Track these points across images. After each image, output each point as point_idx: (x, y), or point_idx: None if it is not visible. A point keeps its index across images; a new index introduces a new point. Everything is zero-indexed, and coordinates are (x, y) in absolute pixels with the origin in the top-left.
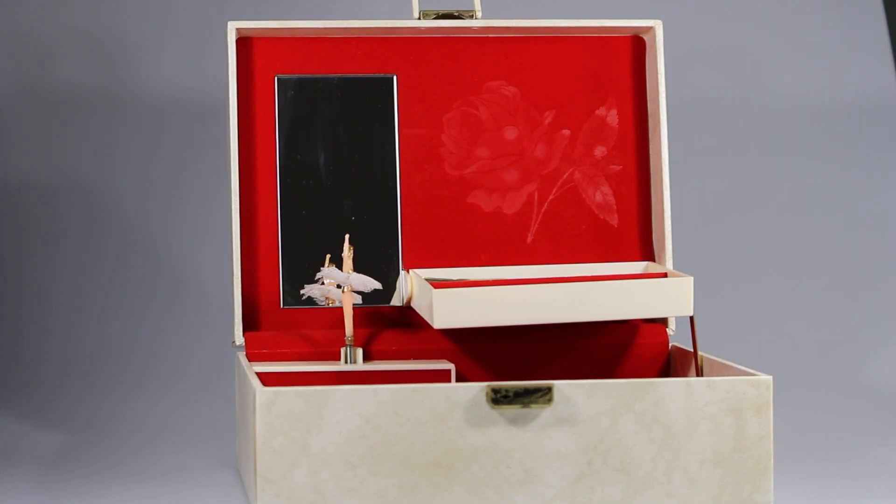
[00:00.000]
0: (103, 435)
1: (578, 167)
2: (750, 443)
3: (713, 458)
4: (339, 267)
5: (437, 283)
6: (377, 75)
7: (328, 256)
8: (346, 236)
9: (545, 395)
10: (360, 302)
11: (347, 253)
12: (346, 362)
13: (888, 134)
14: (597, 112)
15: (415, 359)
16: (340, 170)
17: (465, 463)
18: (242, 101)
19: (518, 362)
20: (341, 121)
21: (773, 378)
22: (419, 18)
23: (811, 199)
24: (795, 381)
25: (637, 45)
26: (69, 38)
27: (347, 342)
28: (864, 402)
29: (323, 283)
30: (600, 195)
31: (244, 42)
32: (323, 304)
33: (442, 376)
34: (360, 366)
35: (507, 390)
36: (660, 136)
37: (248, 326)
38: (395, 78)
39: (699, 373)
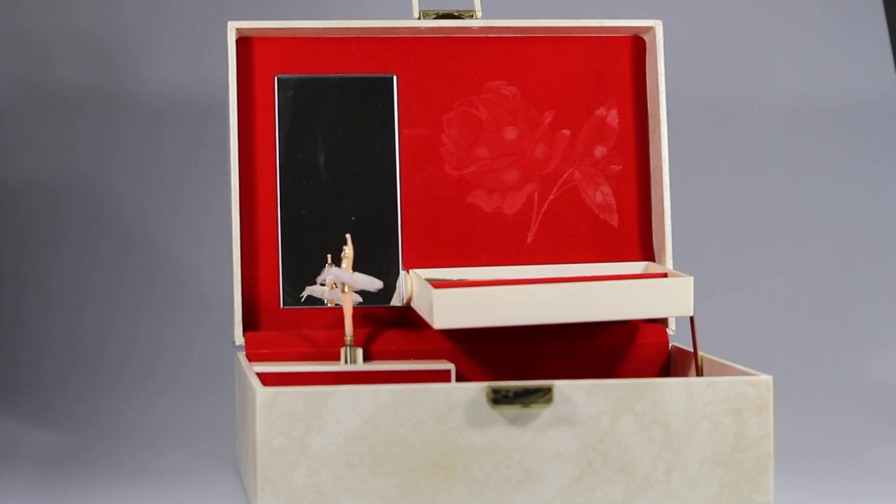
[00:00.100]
0: (103, 435)
1: (578, 167)
2: (750, 443)
3: (713, 458)
4: (338, 266)
5: (437, 283)
6: (377, 75)
7: (330, 257)
8: (348, 236)
9: (545, 395)
10: (361, 300)
11: (349, 253)
12: (346, 362)
13: (888, 134)
14: (597, 112)
15: (415, 359)
16: (340, 170)
17: (465, 463)
18: (242, 101)
19: (518, 362)
20: (341, 121)
21: (773, 378)
22: (419, 18)
23: (811, 199)
24: (795, 381)
25: (637, 45)
26: (69, 38)
27: (347, 342)
28: (864, 402)
29: (323, 284)
30: (600, 195)
31: (244, 42)
32: (325, 303)
33: (442, 376)
34: (360, 366)
35: (507, 390)
36: (660, 136)
37: (248, 326)
38: (395, 78)
39: (699, 373)
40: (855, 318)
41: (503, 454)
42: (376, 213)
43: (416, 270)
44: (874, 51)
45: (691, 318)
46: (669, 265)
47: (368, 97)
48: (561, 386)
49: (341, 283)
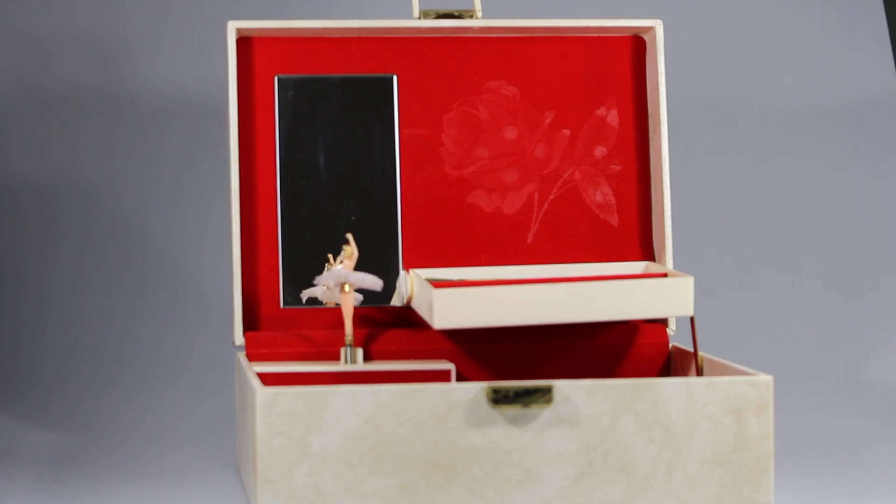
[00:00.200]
0: (103, 435)
1: (578, 167)
2: (750, 443)
3: (713, 458)
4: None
5: (437, 283)
6: (377, 75)
7: (331, 257)
8: (349, 236)
9: (545, 395)
10: (362, 298)
11: (353, 252)
12: (346, 362)
13: (888, 134)
14: (597, 112)
15: (415, 359)
16: (340, 170)
17: (465, 463)
18: (242, 101)
19: (518, 362)
20: (341, 121)
21: (773, 378)
22: (419, 18)
23: (811, 199)
24: (795, 381)
25: (637, 45)
26: (69, 38)
27: (347, 342)
28: (864, 402)
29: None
30: (600, 195)
31: (244, 42)
32: (324, 303)
33: (442, 376)
34: (360, 366)
35: (507, 390)
36: (660, 136)
37: (248, 326)
38: (395, 78)
39: (699, 373)
40: (855, 318)
41: (503, 454)
42: (376, 213)
43: (416, 270)
44: (874, 51)
45: (691, 318)
46: (669, 265)
47: (368, 97)
48: (561, 386)
49: (341, 283)
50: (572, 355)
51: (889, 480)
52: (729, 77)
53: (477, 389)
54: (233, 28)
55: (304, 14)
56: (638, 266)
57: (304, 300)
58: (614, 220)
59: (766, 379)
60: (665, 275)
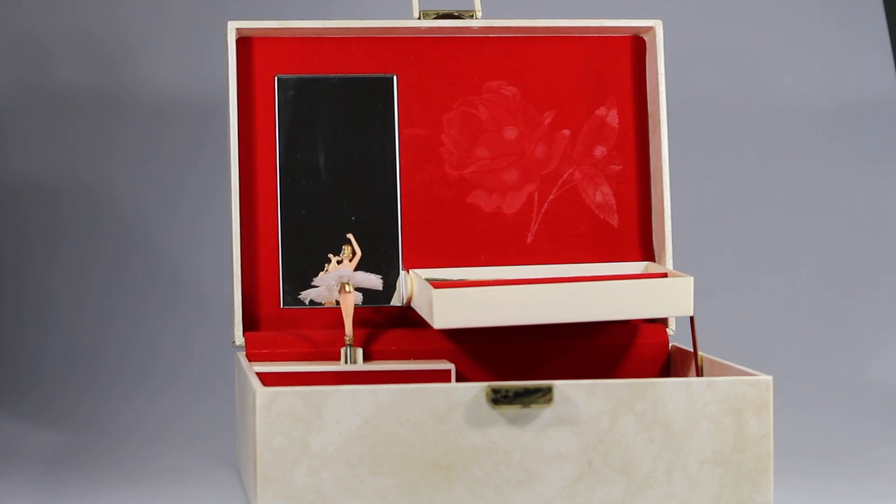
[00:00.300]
0: (103, 435)
1: (578, 167)
2: (750, 443)
3: (713, 458)
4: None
5: (437, 283)
6: (377, 75)
7: (332, 256)
8: (351, 236)
9: (545, 395)
10: (361, 299)
11: (357, 252)
12: (346, 362)
13: (888, 134)
14: (597, 112)
15: (415, 359)
16: (340, 170)
17: (465, 463)
18: (242, 101)
19: (518, 362)
20: (341, 121)
21: (773, 378)
22: (419, 18)
23: (811, 199)
24: (795, 381)
25: (637, 45)
26: (69, 38)
27: (347, 342)
28: (864, 402)
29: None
30: (600, 195)
31: (244, 42)
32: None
33: (442, 376)
34: (360, 366)
35: (507, 390)
36: (660, 136)
37: (248, 326)
38: (395, 78)
39: (699, 373)
40: (855, 318)
41: (503, 454)
42: (376, 213)
43: (416, 270)
44: (874, 51)
45: (691, 318)
46: (669, 265)
47: (368, 97)
48: (561, 386)
49: (342, 283)
50: (572, 355)
51: (889, 480)
52: (729, 77)
53: (477, 389)
54: (233, 28)
55: (304, 14)
56: (638, 266)
57: (307, 302)
58: (614, 220)
59: (766, 379)
60: (665, 275)
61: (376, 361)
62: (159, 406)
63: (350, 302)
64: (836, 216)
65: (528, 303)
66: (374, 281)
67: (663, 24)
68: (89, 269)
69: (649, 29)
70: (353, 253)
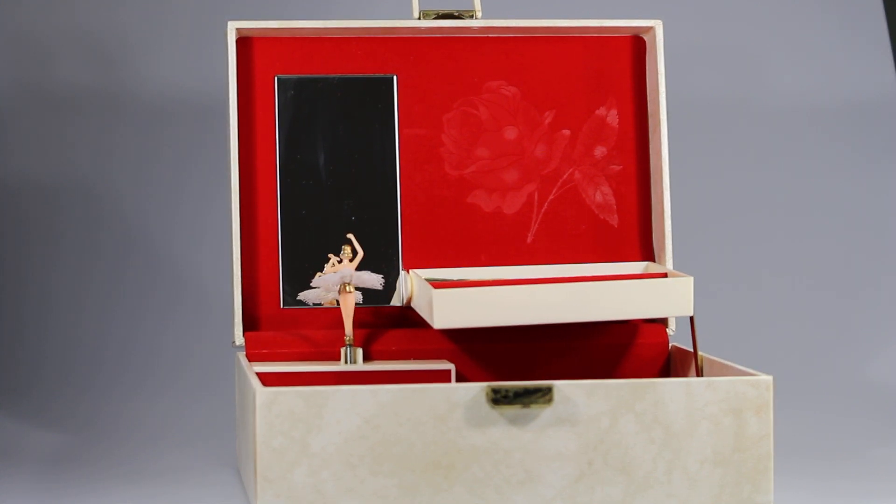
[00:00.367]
0: (103, 435)
1: (578, 167)
2: (750, 443)
3: (713, 458)
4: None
5: (437, 283)
6: (377, 75)
7: (332, 256)
8: (351, 236)
9: (545, 395)
10: (361, 299)
11: (359, 251)
12: (346, 362)
13: (888, 134)
14: (597, 112)
15: (415, 359)
16: (340, 170)
17: (465, 463)
18: (242, 101)
19: (518, 362)
20: (341, 121)
21: (773, 378)
22: (419, 18)
23: (811, 199)
24: (795, 381)
25: (637, 45)
26: (69, 38)
27: (347, 342)
28: (864, 402)
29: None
30: (600, 195)
31: (244, 42)
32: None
33: (442, 376)
34: (360, 366)
35: (507, 390)
36: (660, 136)
37: (248, 326)
38: (395, 78)
39: (699, 373)
40: (855, 318)
41: (503, 454)
42: (376, 213)
43: (416, 270)
44: (874, 51)
45: (691, 318)
46: (669, 265)
47: (368, 97)
48: (561, 386)
49: (342, 283)
50: (572, 355)
51: (889, 480)
52: (729, 77)
53: (477, 389)
54: (233, 28)
55: (304, 14)
56: (638, 266)
57: (310, 304)
58: (614, 220)
59: (766, 379)
60: (665, 275)
61: (376, 361)
62: (159, 406)
63: (350, 302)
64: (836, 216)
65: (529, 303)
66: (374, 280)
67: (663, 24)
68: (89, 269)
69: (649, 29)
70: (354, 253)
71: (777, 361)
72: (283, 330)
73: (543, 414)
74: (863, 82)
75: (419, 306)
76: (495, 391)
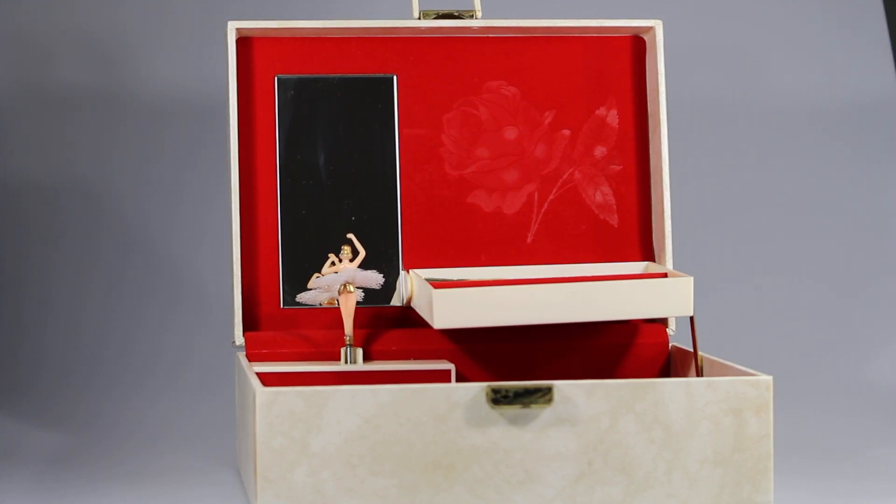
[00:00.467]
0: (103, 435)
1: (578, 167)
2: (750, 443)
3: (713, 458)
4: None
5: (437, 283)
6: (377, 75)
7: (332, 256)
8: (352, 236)
9: (545, 395)
10: (362, 297)
11: (360, 251)
12: (346, 362)
13: (888, 134)
14: (597, 112)
15: (415, 359)
16: (340, 170)
17: (465, 463)
18: (242, 101)
19: (518, 362)
20: (341, 121)
21: (773, 378)
22: (419, 18)
23: (811, 199)
24: (795, 381)
25: (637, 45)
26: (69, 38)
27: (347, 342)
28: (864, 402)
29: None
30: (600, 195)
31: (244, 42)
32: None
33: (442, 376)
34: (360, 366)
35: (507, 390)
36: (660, 136)
37: (248, 326)
38: (395, 78)
39: (699, 373)
40: (855, 318)
41: (503, 454)
42: (376, 213)
43: (416, 270)
44: (874, 51)
45: (691, 318)
46: (669, 265)
47: (368, 97)
48: (561, 386)
49: (343, 283)
50: (572, 355)
51: (889, 480)
52: (729, 77)
53: (477, 389)
54: (233, 28)
55: (304, 14)
56: (638, 266)
57: (320, 304)
58: (614, 220)
59: (766, 379)
60: (665, 275)
61: (376, 361)
62: (159, 406)
63: (350, 302)
64: (836, 216)
65: (529, 303)
66: (374, 279)
67: (663, 24)
68: (89, 269)
69: (649, 29)
70: (355, 253)
71: (777, 361)
72: (283, 330)
73: (543, 414)
74: (863, 82)
75: (419, 306)
76: (495, 391)
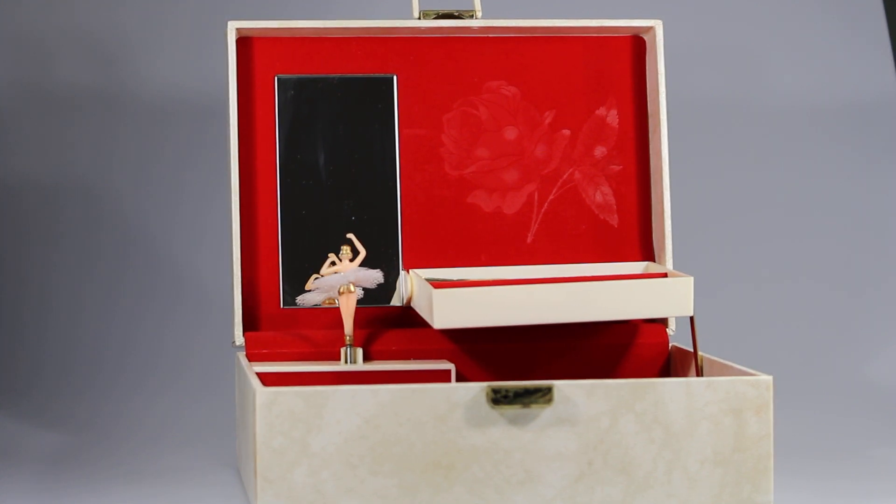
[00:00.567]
0: (103, 435)
1: (578, 167)
2: (750, 443)
3: (713, 458)
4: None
5: (437, 283)
6: (377, 75)
7: (332, 256)
8: (352, 236)
9: (545, 395)
10: (361, 295)
11: (361, 251)
12: (346, 362)
13: (888, 134)
14: (597, 112)
15: (415, 359)
16: (340, 170)
17: (465, 463)
18: (242, 101)
19: (518, 362)
20: (341, 121)
21: (773, 378)
22: (419, 18)
23: (811, 199)
24: (795, 381)
25: (637, 45)
26: (69, 38)
27: (347, 342)
28: (864, 402)
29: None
30: (600, 195)
31: (244, 42)
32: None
33: (442, 376)
34: (360, 366)
35: (507, 390)
36: (660, 136)
37: (248, 326)
38: (395, 78)
39: (699, 373)
40: (855, 318)
41: (503, 454)
42: (376, 213)
43: (416, 270)
44: (874, 51)
45: (691, 318)
46: (669, 265)
47: (368, 97)
48: (561, 386)
49: (344, 283)
50: (572, 355)
51: (889, 480)
52: (729, 77)
53: (477, 389)
54: (233, 28)
55: (304, 14)
56: (638, 266)
57: (322, 304)
58: (614, 220)
59: (766, 379)
60: (665, 275)
61: (376, 361)
62: (159, 406)
63: (350, 302)
64: (836, 216)
65: (529, 303)
66: (374, 277)
67: (663, 24)
68: (89, 269)
69: (649, 29)
70: (355, 253)
71: (777, 361)
72: (283, 330)
73: (543, 414)
74: (863, 82)
75: (419, 306)
76: (495, 391)
